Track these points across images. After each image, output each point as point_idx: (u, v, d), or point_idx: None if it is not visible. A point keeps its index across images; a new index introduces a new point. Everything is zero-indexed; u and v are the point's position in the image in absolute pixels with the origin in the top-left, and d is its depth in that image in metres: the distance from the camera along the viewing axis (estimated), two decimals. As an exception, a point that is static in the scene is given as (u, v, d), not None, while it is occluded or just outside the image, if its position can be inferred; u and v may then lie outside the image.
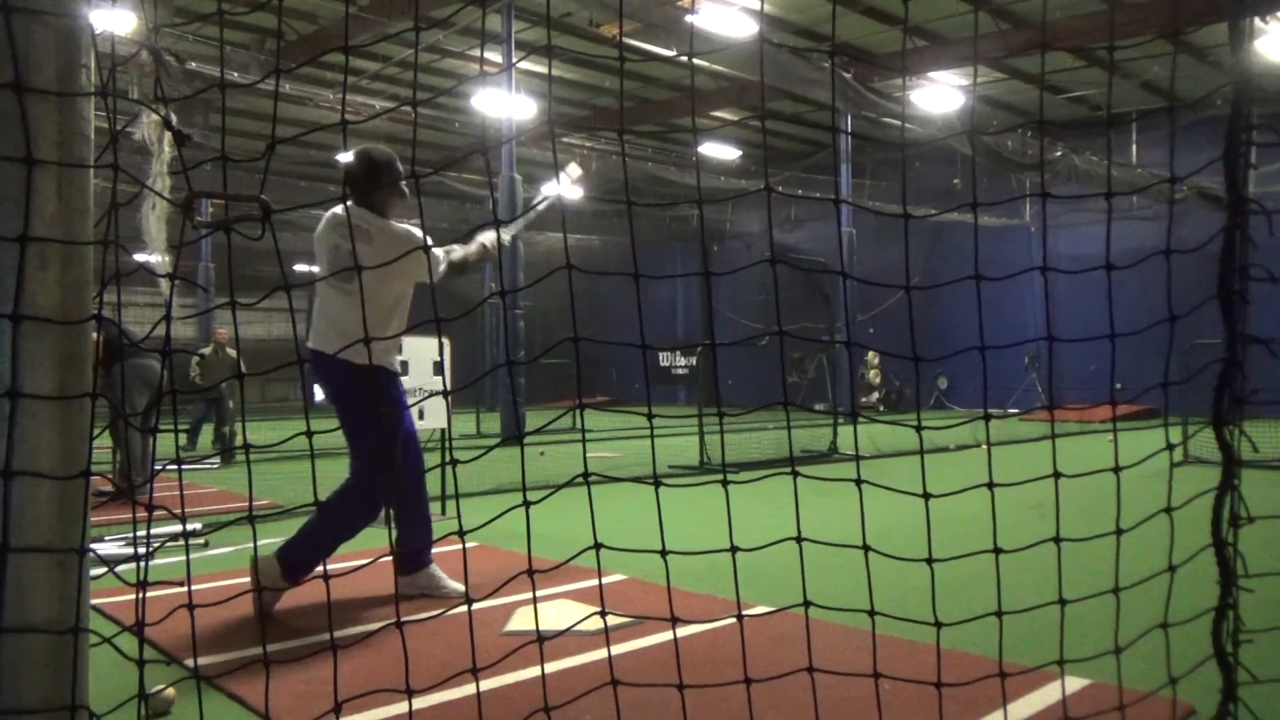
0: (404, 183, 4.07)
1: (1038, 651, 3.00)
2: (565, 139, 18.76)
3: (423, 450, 4.17)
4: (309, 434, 1.91)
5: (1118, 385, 2.24)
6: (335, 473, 4.73)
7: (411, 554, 4.04)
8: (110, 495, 6.87)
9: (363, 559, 4.47)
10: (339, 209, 3.98)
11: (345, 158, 4.01)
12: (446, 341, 5.94)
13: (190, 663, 2.98)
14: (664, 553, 2.04)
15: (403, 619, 2.05)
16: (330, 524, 3.72)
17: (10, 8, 1.64)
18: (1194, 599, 2.25)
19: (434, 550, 4.20)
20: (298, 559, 3.64)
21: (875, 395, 21.84)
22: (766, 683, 2.36)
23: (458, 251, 4.09)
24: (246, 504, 2.57)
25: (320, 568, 3.94)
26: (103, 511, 6.29)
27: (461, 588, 4.04)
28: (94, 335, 1.72)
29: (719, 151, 20.93)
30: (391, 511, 4.09)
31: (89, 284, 1.74)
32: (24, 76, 1.65)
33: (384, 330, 3.72)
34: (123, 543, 5.19)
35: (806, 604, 2.12)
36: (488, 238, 4.18)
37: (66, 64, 1.70)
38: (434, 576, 4.09)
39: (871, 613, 2.11)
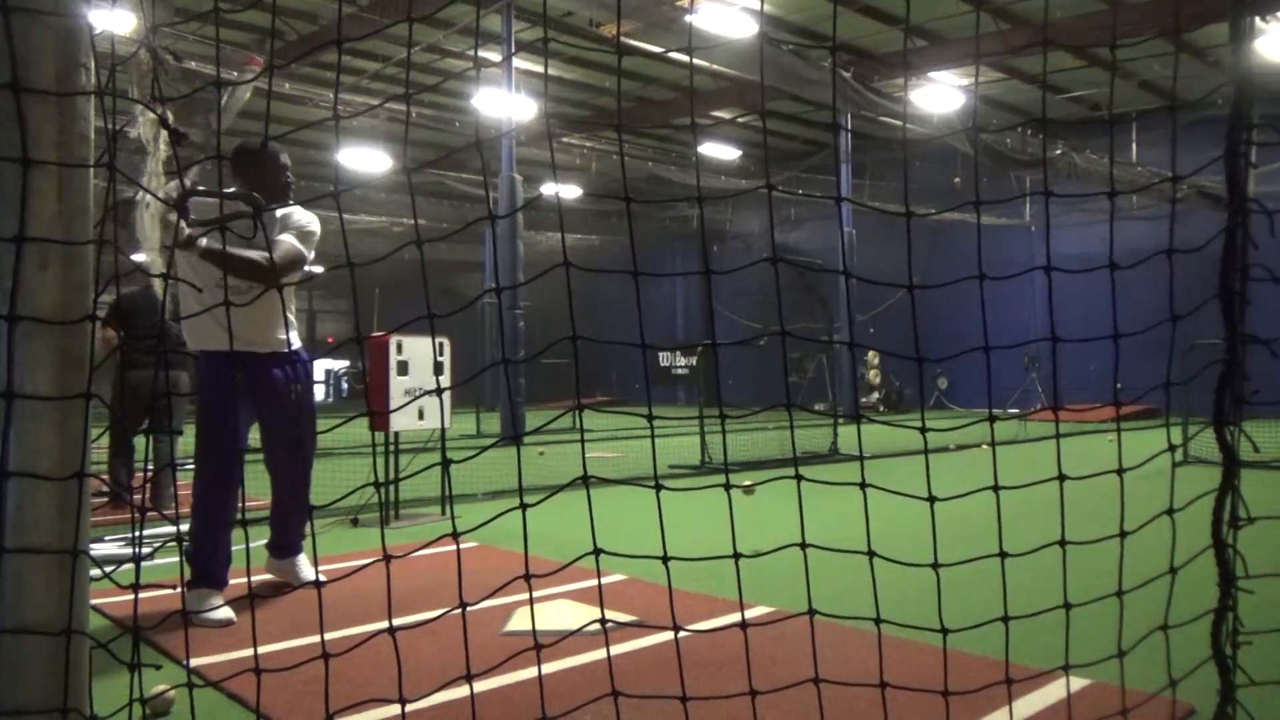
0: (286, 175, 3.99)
1: (1038, 651, 3.00)
2: (565, 138, 18.76)
3: (313, 445, 4.20)
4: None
5: (1119, 385, 2.23)
6: (333, 471, 4.74)
7: (286, 542, 4.22)
8: (110, 496, 6.87)
9: (363, 559, 4.46)
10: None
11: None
12: (446, 341, 5.94)
13: (189, 664, 2.98)
14: (665, 559, 2.03)
15: (400, 622, 2.05)
16: (194, 512, 3.83)
17: (10, 8, 1.63)
18: (1194, 600, 2.25)
19: (431, 550, 4.23)
20: (196, 561, 3.76)
21: (875, 395, 21.83)
22: (767, 684, 2.36)
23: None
24: (242, 505, 2.57)
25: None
26: (103, 512, 6.28)
27: (313, 575, 4.16)
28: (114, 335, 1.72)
29: (719, 151, 20.92)
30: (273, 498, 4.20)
31: (89, 284, 1.74)
32: (23, 76, 1.64)
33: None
34: (122, 543, 5.18)
35: (811, 612, 2.11)
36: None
37: (66, 64, 1.70)
38: (298, 566, 4.25)
39: (877, 620, 2.10)
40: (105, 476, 6.98)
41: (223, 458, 3.78)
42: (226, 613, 3.63)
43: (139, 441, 6.78)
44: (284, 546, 4.24)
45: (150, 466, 6.65)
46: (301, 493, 4.12)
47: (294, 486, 4.11)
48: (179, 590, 3.07)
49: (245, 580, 4.14)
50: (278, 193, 3.84)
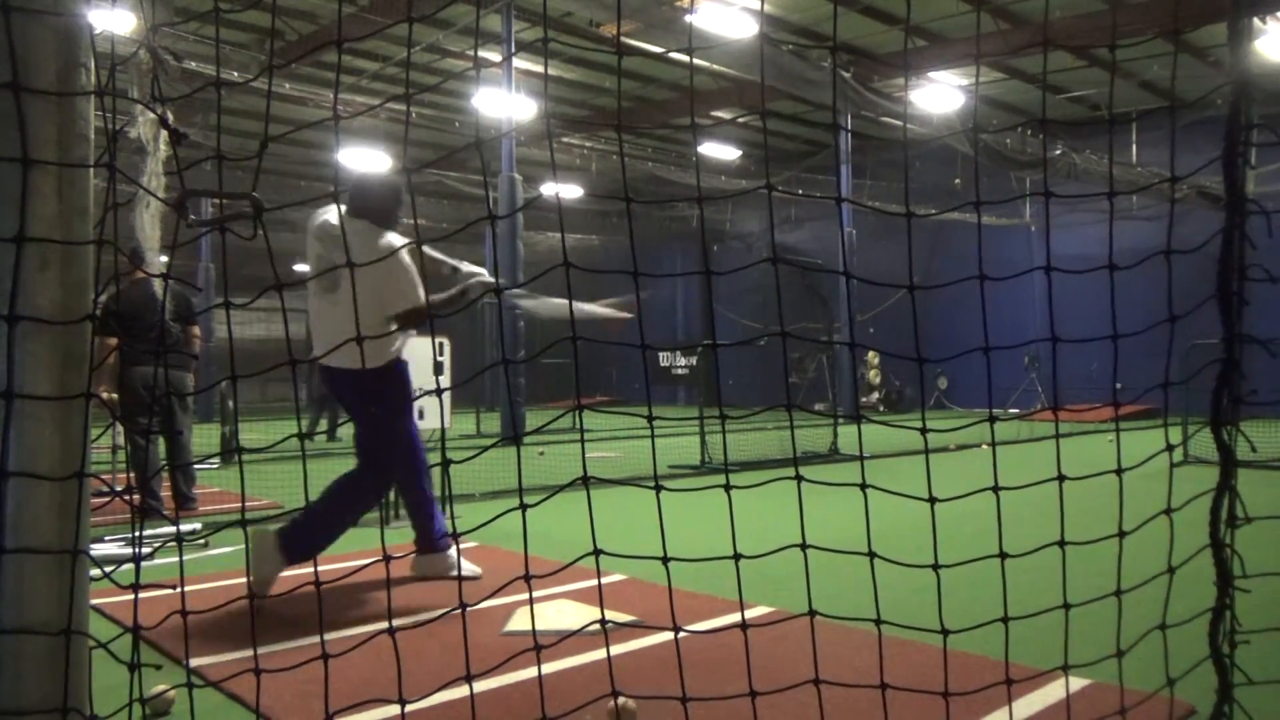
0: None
1: (1037, 651, 3.00)
2: (565, 138, 18.76)
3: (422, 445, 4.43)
4: (300, 436, 1.91)
5: (1119, 385, 2.24)
6: (333, 471, 4.72)
7: (425, 535, 4.32)
8: (111, 493, 6.85)
9: (363, 559, 4.46)
10: (330, 217, 4.09)
11: (356, 169, 4.15)
12: (446, 341, 5.95)
13: (189, 663, 2.98)
14: (665, 559, 2.03)
15: (400, 622, 2.05)
16: (331, 510, 3.97)
17: (10, 8, 1.64)
18: (1193, 599, 2.25)
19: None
20: (297, 540, 3.86)
21: (875, 395, 21.84)
22: (766, 684, 2.36)
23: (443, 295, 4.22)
24: (242, 504, 2.57)
25: (312, 568, 4.12)
26: (103, 511, 6.28)
27: (478, 569, 4.43)
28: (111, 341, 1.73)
29: (719, 151, 20.92)
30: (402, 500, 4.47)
31: (89, 284, 1.74)
32: (23, 76, 1.64)
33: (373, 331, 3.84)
34: (122, 543, 5.19)
35: (812, 613, 2.11)
36: (474, 277, 4.24)
37: (66, 64, 1.70)
38: (445, 559, 4.33)
39: (878, 621, 2.10)
40: (103, 478, 6.96)
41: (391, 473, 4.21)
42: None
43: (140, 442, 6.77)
44: (427, 537, 4.35)
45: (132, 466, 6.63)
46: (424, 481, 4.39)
47: (422, 477, 4.35)
48: (179, 590, 3.07)
49: (246, 580, 4.14)
50: (394, 221, 4.14)
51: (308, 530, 3.91)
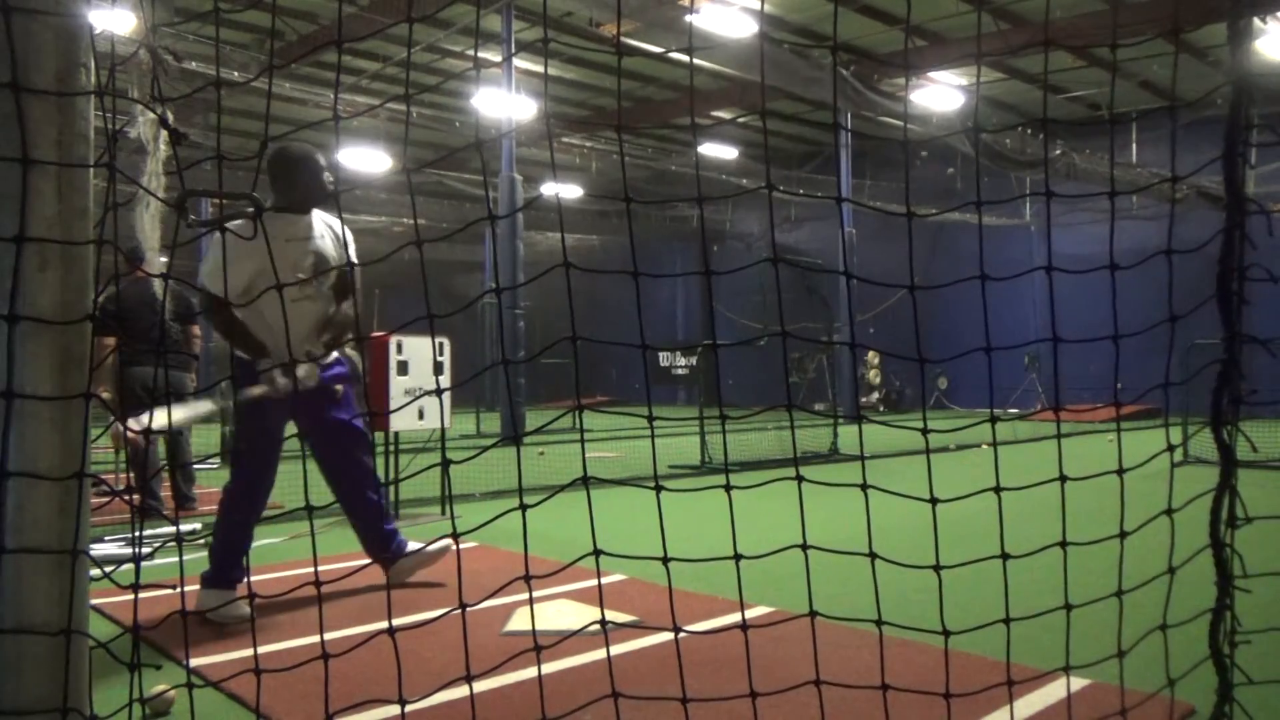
0: (325, 176, 3.82)
1: (1038, 651, 3.00)
2: (565, 138, 18.76)
3: (365, 450, 4.14)
4: (301, 436, 1.90)
5: (1119, 385, 2.24)
6: (335, 473, 4.72)
7: (380, 549, 4.11)
8: (111, 493, 6.85)
9: (363, 559, 4.46)
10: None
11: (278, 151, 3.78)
12: (446, 341, 5.95)
13: (189, 664, 2.98)
14: (665, 559, 2.03)
15: (400, 622, 2.05)
16: (221, 523, 3.80)
17: (10, 8, 1.63)
18: (1193, 599, 2.25)
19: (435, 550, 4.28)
20: (215, 570, 3.75)
21: (875, 395, 21.84)
22: (767, 684, 2.36)
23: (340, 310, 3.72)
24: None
25: (312, 568, 4.07)
26: (103, 511, 6.28)
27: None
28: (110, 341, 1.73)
29: (719, 151, 20.93)
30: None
31: (89, 284, 1.74)
32: (23, 76, 1.64)
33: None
34: (122, 543, 5.19)
35: (813, 614, 2.11)
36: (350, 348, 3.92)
37: (66, 64, 1.70)
38: (418, 555, 4.19)
39: (879, 621, 2.10)
40: (103, 477, 6.96)
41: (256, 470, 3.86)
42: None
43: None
44: (383, 549, 4.14)
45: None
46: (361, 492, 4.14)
47: (357, 488, 4.09)
48: (179, 590, 3.08)
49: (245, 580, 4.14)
50: (322, 198, 3.78)
51: (216, 555, 3.76)
